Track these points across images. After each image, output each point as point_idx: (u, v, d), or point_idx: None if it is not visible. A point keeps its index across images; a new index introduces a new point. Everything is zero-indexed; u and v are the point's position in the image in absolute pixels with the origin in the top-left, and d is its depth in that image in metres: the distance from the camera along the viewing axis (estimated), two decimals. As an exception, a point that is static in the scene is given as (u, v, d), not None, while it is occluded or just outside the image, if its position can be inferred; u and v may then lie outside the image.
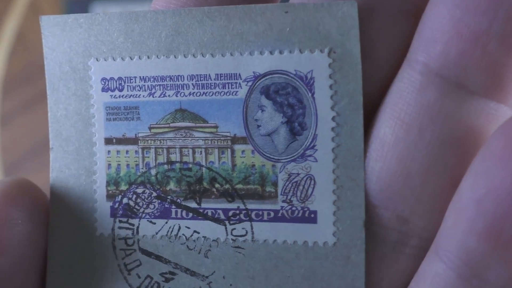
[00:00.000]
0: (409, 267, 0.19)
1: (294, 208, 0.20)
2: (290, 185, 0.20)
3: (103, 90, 0.21)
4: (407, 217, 0.19)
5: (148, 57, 0.20)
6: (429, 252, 0.18)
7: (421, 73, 0.18)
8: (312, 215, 0.20)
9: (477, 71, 0.18)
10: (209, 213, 0.20)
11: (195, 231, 0.21)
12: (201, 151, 0.20)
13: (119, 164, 0.21)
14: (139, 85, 0.21)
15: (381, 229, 0.19)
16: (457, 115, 0.18)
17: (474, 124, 0.18)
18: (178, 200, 0.21)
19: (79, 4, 0.69)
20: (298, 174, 0.20)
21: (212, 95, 0.20)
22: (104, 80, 0.21)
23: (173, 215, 0.21)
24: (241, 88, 0.20)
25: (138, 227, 0.21)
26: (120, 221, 0.21)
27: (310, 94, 0.19)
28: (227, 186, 0.20)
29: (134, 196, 0.21)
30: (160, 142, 0.21)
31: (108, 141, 0.21)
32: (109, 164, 0.21)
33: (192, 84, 0.20)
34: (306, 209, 0.20)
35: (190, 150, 0.21)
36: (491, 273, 0.16)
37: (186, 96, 0.20)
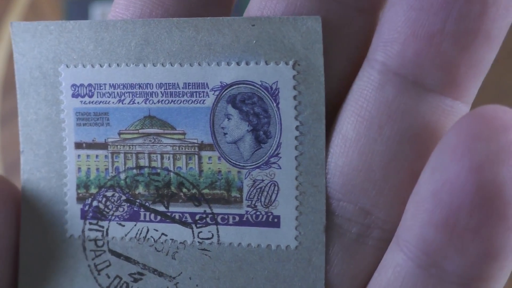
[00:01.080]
0: (372, 258, 0.20)
1: (258, 213, 0.21)
2: (254, 190, 0.21)
3: (73, 96, 0.21)
4: (369, 209, 0.20)
5: (118, 65, 0.21)
6: (391, 243, 0.19)
7: (379, 72, 0.19)
8: (276, 220, 0.20)
9: (433, 70, 0.18)
10: (177, 217, 0.21)
11: (163, 234, 0.21)
12: (169, 157, 0.21)
13: (89, 168, 0.22)
14: (108, 92, 0.21)
15: (345, 221, 0.20)
16: (414, 112, 0.19)
17: (431, 120, 0.19)
18: (147, 204, 0.21)
19: (79, 4, 0.68)
20: (263, 180, 0.20)
21: (180, 103, 0.21)
22: (74, 86, 0.21)
23: (142, 218, 0.21)
24: (208, 97, 0.20)
25: (107, 229, 0.22)
26: (90, 223, 0.22)
27: (275, 104, 0.20)
28: (194, 191, 0.21)
29: (104, 199, 0.22)
30: (129, 148, 0.21)
31: (78, 145, 0.22)
32: (79, 168, 0.22)
33: (161, 92, 0.21)
34: (269, 213, 0.20)
35: (159, 156, 0.21)
36: (448, 262, 0.17)
37: (155, 103, 0.21)
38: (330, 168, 0.20)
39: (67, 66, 0.21)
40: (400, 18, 0.18)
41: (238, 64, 0.20)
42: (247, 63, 0.20)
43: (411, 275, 0.18)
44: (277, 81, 0.20)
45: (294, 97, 0.20)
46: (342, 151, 0.20)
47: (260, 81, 0.20)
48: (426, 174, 0.18)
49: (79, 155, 0.22)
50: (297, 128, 0.20)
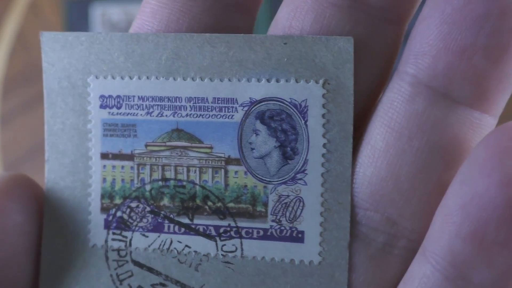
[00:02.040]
0: (397, 268, 0.20)
1: (282, 228, 0.21)
2: (280, 206, 0.21)
3: (101, 106, 0.22)
4: (396, 219, 0.20)
5: (148, 78, 0.21)
6: (418, 254, 0.20)
7: (410, 84, 0.19)
8: (300, 235, 0.21)
9: (463, 83, 0.19)
10: (201, 229, 0.21)
11: (186, 246, 0.21)
12: (195, 170, 0.21)
13: (114, 179, 0.22)
14: (137, 104, 0.21)
15: (371, 231, 0.20)
16: (443, 124, 0.19)
17: (460, 132, 0.19)
18: (171, 216, 0.22)
19: (79, 4, 0.68)
20: (288, 196, 0.21)
21: (208, 117, 0.21)
22: (103, 97, 0.21)
23: (166, 229, 0.22)
24: (237, 112, 0.21)
25: (131, 240, 0.22)
26: (114, 233, 0.22)
27: (303, 122, 0.20)
28: (219, 204, 0.21)
29: (128, 210, 0.22)
30: (156, 160, 0.22)
31: (104, 156, 0.22)
32: (104, 178, 0.22)
33: (190, 106, 0.21)
34: (294, 229, 0.21)
35: (185, 169, 0.21)
36: (476, 275, 0.18)
37: (183, 117, 0.21)
38: (358, 178, 0.20)
39: (96, 77, 0.21)
40: (432, 32, 0.19)
41: (268, 81, 0.20)
42: (277, 80, 0.20)
43: (438, 286, 0.19)
44: (306, 99, 0.20)
45: (323, 115, 0.20)
46: (371, 162, 0.20)
47: (290, 98, 0.20)
48: (454, 187, 0.18)
49: (104, 166, 0.22)
50: (324, 145, 0.20)
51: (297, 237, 0.21)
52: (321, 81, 0.20)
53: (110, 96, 0.21)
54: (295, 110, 0.20)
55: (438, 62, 0.19)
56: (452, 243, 0.18)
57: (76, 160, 0.22)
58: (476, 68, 0.18)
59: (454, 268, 0.18)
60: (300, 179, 0.21)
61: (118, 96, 0.21)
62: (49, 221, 0.22)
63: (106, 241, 0.22)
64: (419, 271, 0.19)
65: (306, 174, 0.21)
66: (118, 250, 0.22)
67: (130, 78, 0.21)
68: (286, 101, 0.20)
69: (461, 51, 0.18)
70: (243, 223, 0.21)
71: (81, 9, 0.68)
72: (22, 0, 0.68)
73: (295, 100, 0.20)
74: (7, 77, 0.68)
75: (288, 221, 0.21)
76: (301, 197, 0.21)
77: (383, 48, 0.20)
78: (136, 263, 0.22)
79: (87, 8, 0.68)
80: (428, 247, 0.19)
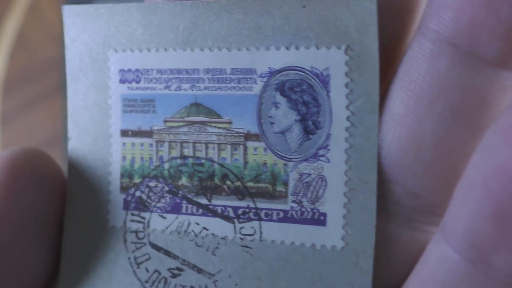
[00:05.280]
0: (420, 244, 0.18)
1: (303, 209, 0.19)
2: (301, 185, 0.19)
3: (120, 81, 0.21)
4: (418, 192, 0.18)
5: (165, 50, 0.20)
6: (436, 232, 0.17)
7: (432, 42, 0.17)
8: (322, 217, 0.19)
9: (491, 38, 0.16)
10: (219, 210, 0.20)
11: (204, 228, 0.20)
12: (214, 147, 0.20)
13: (133, 157, 0.21)
14: (155, 78, 0.20)
15: (392, 204, 0.18)
16: (469, 86, 0.17)
17: (488, 95, 0.17)
18: (190, 196, 0.20)
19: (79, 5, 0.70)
20: (310, 174, 0.19)
21: (227, 90, 0.20)
22: (122, 72, 0.21)
23: (184, 210, 0.20)
24: (256, 83, 0.19)
25: (149, 221, 0.21)
26: (132, 214, 0.21)
27: (325, 92, 0.19)
28: (238, 183, 0.20)
29: (147, 189, 0.21)
30: (174, 136, 0.21)
31: (124, 133, 0.21)
32: (124, 157, 0.21)
33: (208, 78, 0.20)
34: (316, 210, 0.19)
35: (204, 145, 0.20)
36: (498, 257, 0.15)
37: (201, 90, 0.20)
38: None
39: (116, 51, 0.21)
40: None
41: (287, 48, 0.19)
42: (297, 48, 0.19)
43: (455, 268, 0.16)
44: (328, 67, 0.19)
45: (346, 85, 0.18)
46: (389, 128, 0.18)
47: (311, 67, 0.19)
48: (476, 157, 0.16)
49: (124, 143, 0.21)
50: (348, 118, 0.19)
51: (319, 220, 0.19)
52: (343, 47, 0.18)
53: (129, 70, 0.21)
54: (316, 79, 0.19)
55: (461, 15, 0.16)
56: (472, 222, 0.15)
57: (97, 138, 0.21)
58: (505, 21, 0.16)
59: (474, 250, 0.16)
60: (323, 155, 0.19)
61: (137, 70, 0.21)
62: (72, 201, 0.22)
63: (124, 222, 0.21)
64: (437, 251, 0.17)
65: (329, 150, 0.19)
66: (136, 232, 0.21)
67: (148, 50, 0.20)
68: (307, 70, 0.19)
69: (487, 3, 0.16)
70: (262, 204, 0.20)
71: (82, 9, 0.69)
72: (22, 0, 0.70)
73: (316, 69, 0.19)
74: (7, 77, 0.70)
75: (310, 202, 0.19)
76: (324, 176, 0.19)
77: (402, 2, 0.18)
78: (154, 246, 0.21)
79: (88, 8, 0.69)
80: (447, 225, 0.16)
